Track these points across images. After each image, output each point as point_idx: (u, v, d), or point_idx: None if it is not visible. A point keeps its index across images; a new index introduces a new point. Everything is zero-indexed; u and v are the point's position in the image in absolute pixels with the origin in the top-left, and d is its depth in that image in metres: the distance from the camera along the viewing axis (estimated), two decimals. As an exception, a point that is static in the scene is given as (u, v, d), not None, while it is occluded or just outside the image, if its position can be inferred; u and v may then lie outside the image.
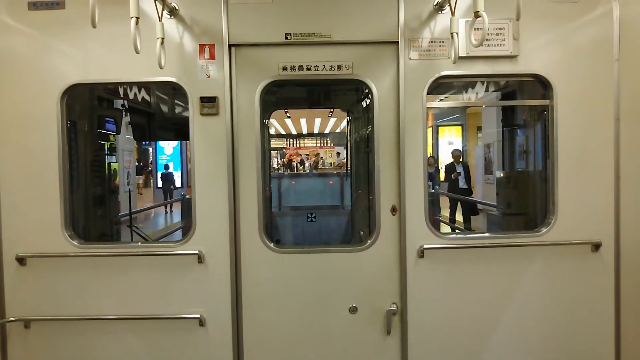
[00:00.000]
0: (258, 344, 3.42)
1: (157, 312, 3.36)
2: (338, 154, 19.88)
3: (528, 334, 3.45)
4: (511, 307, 3.43)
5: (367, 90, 3.48)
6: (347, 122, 6.57)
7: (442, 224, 9.58)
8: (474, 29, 3.03)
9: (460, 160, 11.96)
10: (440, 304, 3.41)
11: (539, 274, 3.42)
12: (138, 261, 3.36)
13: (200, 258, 3.33)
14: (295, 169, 18.53)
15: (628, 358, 3.44)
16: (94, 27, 2.51)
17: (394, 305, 3.38)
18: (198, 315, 3.35)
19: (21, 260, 3.33)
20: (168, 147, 19.86)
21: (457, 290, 3.41)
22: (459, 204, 10.77)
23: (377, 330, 3.43)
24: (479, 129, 16.46)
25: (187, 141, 3.36)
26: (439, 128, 18.41)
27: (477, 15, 2.80)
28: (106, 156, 4.86)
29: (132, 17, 2.72)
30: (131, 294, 3.37)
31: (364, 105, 5.05)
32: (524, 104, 4.30)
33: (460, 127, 18.28)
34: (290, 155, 20.02)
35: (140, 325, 3.39)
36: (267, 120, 5.73)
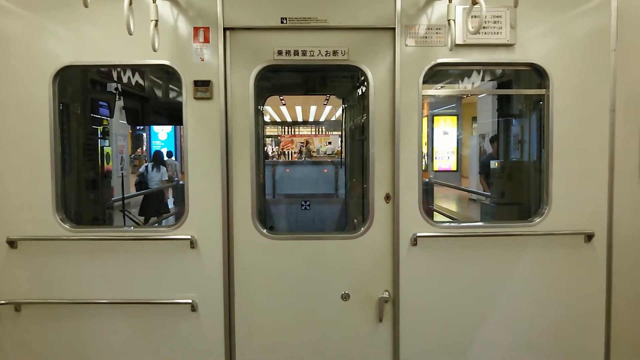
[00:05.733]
0: (250, 329, 3.42)
1: (149, 296, 3.36)
2: (329, 142, 19.82)
3: (519, 322, 3.47)
4: (503, 296, 3.44)
5: (362, 77, 3.46)
6: (342, 109, 6.55)
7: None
8: (471, 17, 3.02)
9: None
10: (432, 291, 3.42)
11: (532, 263, 3.43)
12: (130, 246, 3.35)
13: (192, 243, 3.31)
14: (289, 156, 18.47)
15: (618, 349, 3.47)
16: (86, 6, 2.47)
17: (387, 293, 3.39)
18: (190, 301, 3.34)
19: (12, 243, 3.30)
20: (162, 133, 19.80)
21: (450, 278, 3.42)
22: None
23: (369, 317, 3.44)
24: (474, 119, 16.47)
25: (182, 126, 3.34)
26: (434, 117, 18.39)
27: (474, 2, 2.78)
28: (99, 140, 4.81)
29: None
30: (123, 278, 3.35)
31: (359, 93, 5.02)
32: (520, 93, 4.29)
33: (455, 117, 18.28)
34: (285, 143, 19.96)
35: (131, 309, 3.38)
36: (261, 107, 5.69)
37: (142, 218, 8.85)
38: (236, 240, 3.38)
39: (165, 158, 11.66)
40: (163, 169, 10.36)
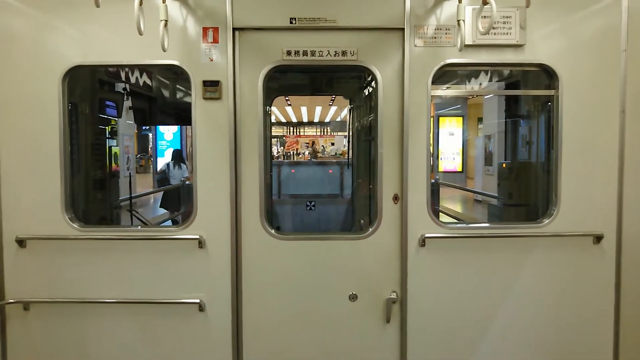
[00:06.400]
0: (257, 329, 3.42)
1: (156, 296, 3.36)
2: (332, 143, 19.84)
3: (527, 323, 3.45)
4: (511, 297, 3.43)
5: (370, 78, 3.46)
6: (349, 110, 6.54)
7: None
8: (481, 17, 3.01)
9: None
10: (440, 292, 3.41)
11: (540, 264, 3.41)
12: (138, 245, 3.35)
13: (200, 243, 3.32)
14: (293, 157, 18.50)
15: (626, 351, 3.45)
16: (97, 6, 2.48)
17: (394, 294, 3.38)
18: (198, 300, 3.35)
19: (21, 242, 3.32)
20: (168, 133, 19.80)
21: (458, 279, 3.41)
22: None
23: (377, 318, 3.43)
24: (480, 120, 16.42)
25: (189, 126, 3.34)
26: (440, 118, 18.34)
27: (485, 2, 2.77)
28: (107, 140, 4.83)
29: None
30: (131, 278, 3.36)
31: (367, 93, 5.02)
32: (529, 93, 4.28)
33: (461, 118, 18.22)
34: (290, 144, 19.99)
35: (139, 309, 3.38)
36: (269, 108, 5.70)
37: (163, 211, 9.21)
38: (244, 240, 3.38)
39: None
40: (184, 166, 10.60)
